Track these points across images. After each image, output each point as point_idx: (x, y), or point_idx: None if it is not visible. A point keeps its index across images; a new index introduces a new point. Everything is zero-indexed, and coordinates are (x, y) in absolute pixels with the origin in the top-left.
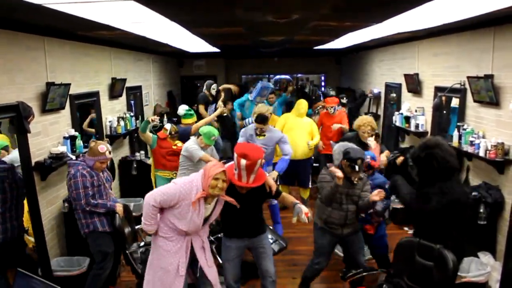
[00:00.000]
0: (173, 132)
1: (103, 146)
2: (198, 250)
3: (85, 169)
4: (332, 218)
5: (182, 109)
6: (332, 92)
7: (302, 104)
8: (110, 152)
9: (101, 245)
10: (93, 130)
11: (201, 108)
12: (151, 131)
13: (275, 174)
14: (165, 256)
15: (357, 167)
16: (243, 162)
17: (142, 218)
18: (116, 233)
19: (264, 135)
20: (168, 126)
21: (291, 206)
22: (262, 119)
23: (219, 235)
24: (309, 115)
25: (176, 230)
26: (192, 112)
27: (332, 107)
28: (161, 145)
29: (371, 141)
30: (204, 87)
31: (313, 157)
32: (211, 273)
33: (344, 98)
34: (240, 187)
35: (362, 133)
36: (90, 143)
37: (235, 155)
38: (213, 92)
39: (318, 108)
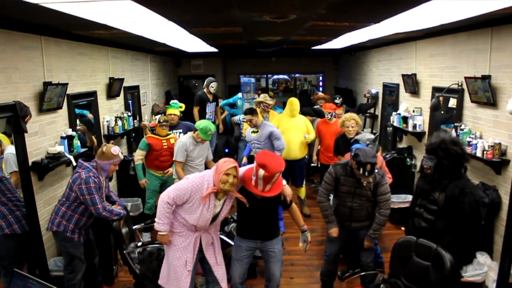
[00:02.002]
0: (161, 121)
1: (116, 149)
2: (206, 247)
3: (96, 177)
4: (337, 212)
5: (170, 102)
6: (337, 101)
7: (294, 103)
8: (122, 153)
9: (67, 247)
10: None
11: (195, 110)
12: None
13: None
14: (173, 251)
15: (366, 172)
16: (261, 172)
17: (156, 218)
18: (89, 243)
19: (257, 131)
20: (157, 116)
21: (296, 225)
22: (249, 111)
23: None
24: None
25: (186, 225)
26: (176, 103)
27: (329, 113)
28: (153, 147)
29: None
30: (204, 83)
31: (306, 156)
32: (219, 270)
33: (338, 97)
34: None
35: (346, 127)
36: (102, 148)
37: (255, 163)
38: (212, 90)
39: (318, 100)
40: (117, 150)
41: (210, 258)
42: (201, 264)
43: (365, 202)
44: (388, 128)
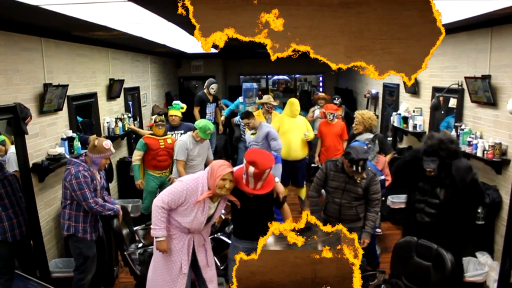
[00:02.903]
0: (157, 120)
1: (107, 142)
2: (198, 249)
3: (86, 171)
4: (327, 210)
5: (172, 103)
6: (337, 101)
7: (295, 104)
8: (112, 147)
9: (81, 248)
10: None
11: (195, 110)
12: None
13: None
14: (168, 254)
15: (359, 169)
16: (251, 169)
17: (152, 224)
18: (100, 240)
19: (256, 132)
20: (153, 116)
21: None
22: (245, 115)
23: (216, 235)
24: (304, 115)
25: (179, 227)
26: (177, 104)
27: (331, 113)
28: (151, 147)
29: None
30: (205, 84)
31: (307, 157)
32: (208, 272)
33: (336, 98)
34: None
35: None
36: (93, 141)
37: (245, 161)
38: (212, 91)
39: (319, 100)
40: (109, 144)
41: (201, 260)
42: (193, 267)
43: (354, 199)
44: (389, 138)
